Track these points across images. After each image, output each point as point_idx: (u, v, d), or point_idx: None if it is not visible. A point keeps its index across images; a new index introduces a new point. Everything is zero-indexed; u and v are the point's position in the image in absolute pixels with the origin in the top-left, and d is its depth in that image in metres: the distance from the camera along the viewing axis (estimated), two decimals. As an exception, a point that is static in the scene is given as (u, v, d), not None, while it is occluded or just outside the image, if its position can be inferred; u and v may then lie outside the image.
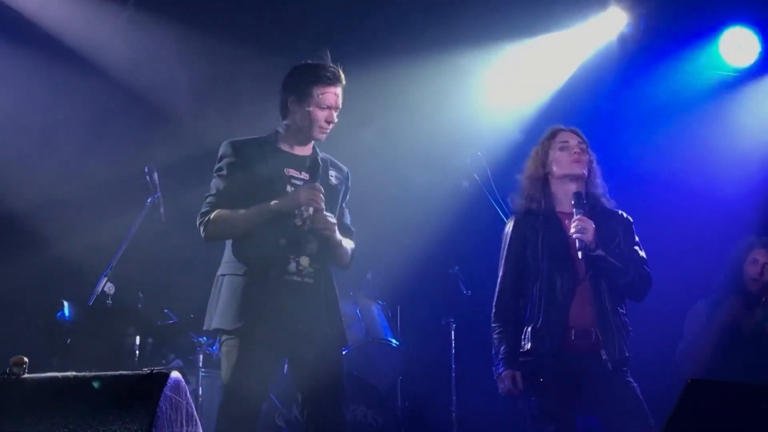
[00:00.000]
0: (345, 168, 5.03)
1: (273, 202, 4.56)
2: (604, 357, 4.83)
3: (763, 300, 6.56)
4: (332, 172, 4.89)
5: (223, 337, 4.58)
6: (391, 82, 7.99)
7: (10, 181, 7.29)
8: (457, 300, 7.27)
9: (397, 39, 8.01)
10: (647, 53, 8.16)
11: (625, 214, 5.14)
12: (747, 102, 8.31)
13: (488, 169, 6.98)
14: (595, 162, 5.12)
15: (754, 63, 8.21)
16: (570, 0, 7.93)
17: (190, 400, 2.97)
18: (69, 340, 6.11)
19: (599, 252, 4.90)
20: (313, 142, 4.85)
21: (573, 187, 5.00)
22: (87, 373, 2.92)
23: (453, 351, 7.07)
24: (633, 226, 5.12)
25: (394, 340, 6.93)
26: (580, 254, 4.85)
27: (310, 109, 4.70)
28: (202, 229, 4.63)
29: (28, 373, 2.88)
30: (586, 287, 4.90)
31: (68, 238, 7.24)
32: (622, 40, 8.10)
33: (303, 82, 4.74)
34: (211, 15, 7.68)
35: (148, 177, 6.36)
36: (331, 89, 4.75)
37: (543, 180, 5.11)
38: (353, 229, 5.04)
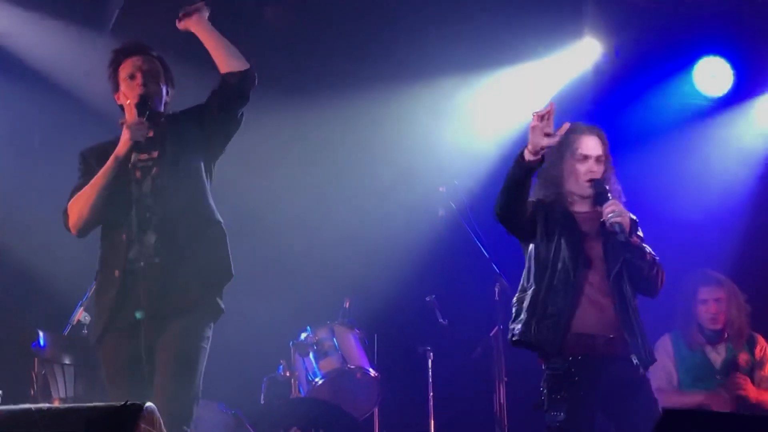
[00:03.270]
0: (190, 110, 4.70)
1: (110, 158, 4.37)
2: (635, 362, 4.78)
3: (726, 336, 6.56)
4: (182, 121, 4.61)
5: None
6: (368, 109, 8.02)
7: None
8: (434, 328, 7.26)
9: (373, 66, 8.04)
10: (622, 83, 8.22)
11: (631, 214, 5.02)
12: (720, 131, 8.39)
13: (464, 197, 7.01)
14: (611, 166, 5.06)
15: (728, 92, 8.28)
16: (545, 30, 7.97)
17: (165, 431, 2.96)
18: (44, 371, 6.07)
19: (635, 236, 4.86)
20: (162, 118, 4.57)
21: (585, 196, 4.97)
22: (61, 405, 2.90)
23: (430, 379, 7.06)
24: (638, 225, 5.06)
25: (371, 369, 6.91)
26: (621, 237, 4.73)
27: (122, 88, 4.55)
28: (66, 223, 4.52)
29: (3, 404, 2.86)
30: (609, 287, 4.82)
31: (44, 265, 7.20)
32: (597, 69, 8.16)
33: (110, 72, 4.64)
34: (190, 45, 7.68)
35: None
36: (131, 59, 4.58)
37: (557, 180, 5.01)
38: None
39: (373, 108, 8.03)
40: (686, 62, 8.21)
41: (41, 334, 6.22)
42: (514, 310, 4.95)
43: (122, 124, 4.45)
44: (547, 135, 4.56)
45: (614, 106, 8.14)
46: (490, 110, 8.31)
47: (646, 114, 8.22)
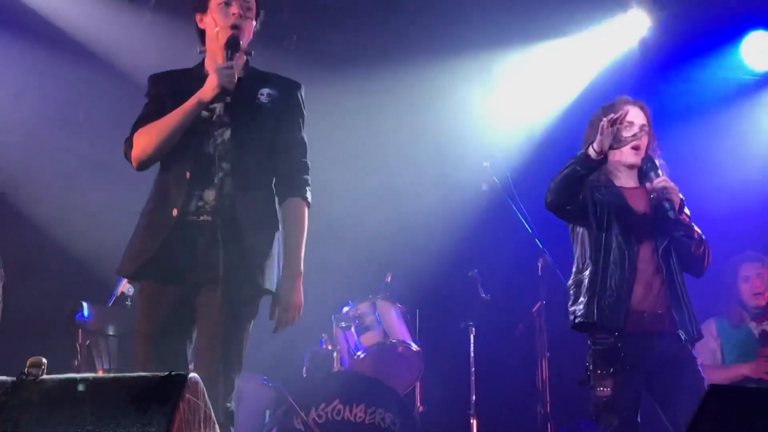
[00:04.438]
0: (293, 83, 4.34)
1: (192, 97, 4.05)
2: (683, 337, 4.75)
3: None
4: (264, 89, 4.21)
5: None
6: (410, 82, 7.99)
7: (29, 185, 7.32)
8: (476, 303, 7.25)
9: (410, 41, 8.02)
10: (668, 56, 8.13)
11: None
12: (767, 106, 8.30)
13: (508, 172, 6.98)
14: (655, 140, 5.04)
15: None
16: (591, 2, 7.90)
17: (208, 402, 2.97)
18: (88, 342, 6.12)
19: (683, 214, 4.84)
20: (245, 58, 4.26)
21: (630, 165, 4.94)
22: (105, 375, 2.92)
23: (472, 355, 7.05)
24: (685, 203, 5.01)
25: (413, 344, 6.92)
26: (672, 215, 4.72)
27: (213, 12, 4.16)
28: (128, 153, 4.16)
29: (47, 374, 2.88)
30: (658, 263, 4.81)
31: (88, 237, 7.26)
32: (644, 44, 8.08)
33: None
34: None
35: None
36: None
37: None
38: (307, 162, 4.30)
39: (416, 82, 8.00)
40: (733, 36, 8.11)
41: (85, 305, 6.29)
42: (572, 293, 4.92)
43: (201, 53, 4.25)
44: (616, 139, 4.56)
45: (660, 80, 8.06)
46: (534, 84, 8.25)
47: (692, 88, 8.14)
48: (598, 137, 4.57)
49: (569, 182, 4.71)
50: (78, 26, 7.44)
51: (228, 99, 4.06)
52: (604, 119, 4.57)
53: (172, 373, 2.80)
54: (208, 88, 4.01)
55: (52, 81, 7.44)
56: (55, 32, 7.36)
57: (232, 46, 4.10)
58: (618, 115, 4.58)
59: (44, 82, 7.43)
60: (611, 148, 4.63)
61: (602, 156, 4.63)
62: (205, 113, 4.11)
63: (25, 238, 7.33)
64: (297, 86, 4.33)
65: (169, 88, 4.21)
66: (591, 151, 4.61)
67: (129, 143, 4.15)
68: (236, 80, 4.03)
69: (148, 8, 7.52)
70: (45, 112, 7.47)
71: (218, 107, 4.12)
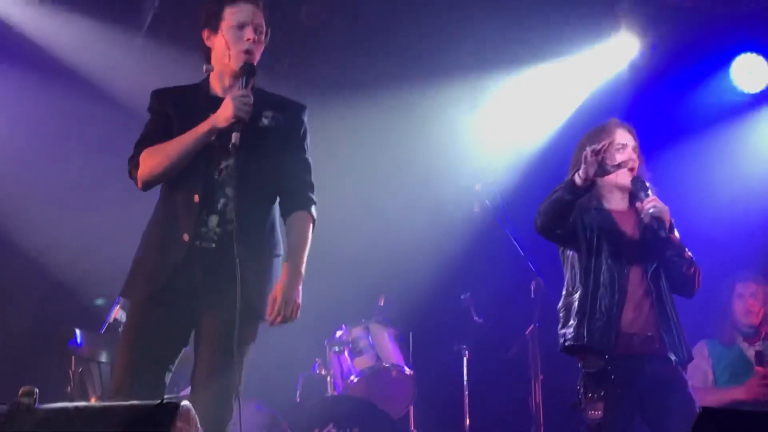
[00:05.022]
0: (297, 105, 4.33)
1: (204, 122, 4.02)
2: (673, 359, 4.77)
3: (764, 334, 6.54)
4: (268, 112, 4.16)
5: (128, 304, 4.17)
6: (401, 106, 8.01)
7: (20, 211, 7.31)
8: (469, 326, 7.25)
9: (398, 65, 8.03)
10: (658, 79, 8.16)
11: None
12: (758, 127, 8.31)
13: (499, 194, 6.99)
14: (643, 162, 5.05)
15: (765, 89, 8.21)
16: (580, 26, 7.93)
17: (200, 429, 2.97)
18: (81, 369, 6.11)
19: (675, 235, 4.85)
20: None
21: (623, 187, 4.96)
22: (98, 403, 2.92)
23: (465, 378, 7.05)
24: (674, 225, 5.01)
25: (406, 367, 6.91)
26: (662, 234, 4.73)
27: (225, 33, 4.10)
28: (133, 172, 4.11)
29: (41, 402, 2.88)
30: (647, 285, 4.83)
31: (81, 264, 7.25)
32: (633, 67, 8.11)
33: (212, 7, 4.17)
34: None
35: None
36: (243, 5, 4.12)
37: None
38: (312, 181, 4.32)
39: (406, 105, 8.02)
40: (723, 59, 8.14)
41: (78, 332, 6.27)
42: (561, 315, 4.94)
43: (208, 70, 4.19)
44: (600, 168, 4.59)
45: (650, 102, 8.08)
46: (524, 106, 8.28)
47: (683, 111, 8.16)
48: (583, 166, 4.60)
49: (557, 207, 4.74)
50: (69, 51, 7.45)
51: (240, 128, 4.01)
52: (588, 149, 4.60)
53: (164, 400, 2.80)
54: (224, 117, 3.99)
55: (44, 106, 7.44)
56: (46, 57, 7.37)
57: (248, 73, 4.09)
58: (601, 145, 4.60)
59: (36, 108, 7.43)
60: (597, 175, 4.66)
61: (588, 183, 4.66)
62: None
63: (16, 264, 7.32)
64: (302, 108, 4.33)
65: (175, 104, 4.18)
66: (577, 179, 4.64)
67: (134, 162, 4.12)
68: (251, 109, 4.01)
69: (140, 32, 7.54)
70: (37, 138, 7.47)
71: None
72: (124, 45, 7.52)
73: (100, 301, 7.12)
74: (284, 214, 4.25)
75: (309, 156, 4.34)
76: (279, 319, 4.03)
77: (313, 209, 4.27)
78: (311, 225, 4.26)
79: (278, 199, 4.26)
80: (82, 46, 7.44)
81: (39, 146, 7.45)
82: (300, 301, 4.07)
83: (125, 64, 7.50)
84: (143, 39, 7.55)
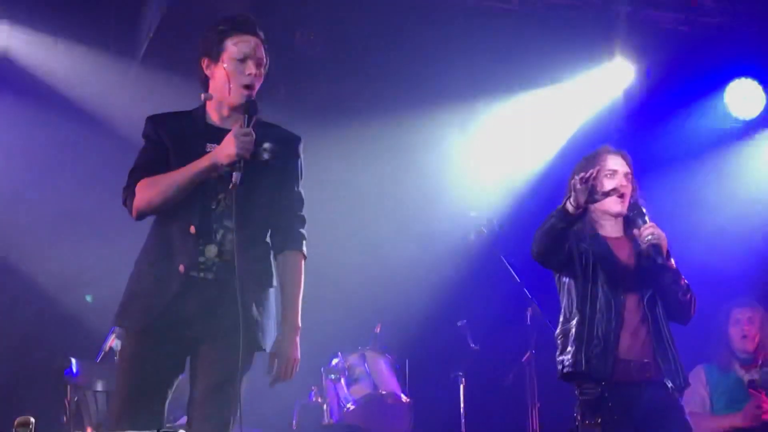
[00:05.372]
0: (293, 137, 4.31)
1: (206, 157, 3.99)
2: (670, 386, 4.76)
3: (761, 361, 6.54)
4: (266, 144, 4.13)
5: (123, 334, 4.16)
6: (396, 133, 8.02)
7: (16, 240, 7.31)
8: (466, 353, 7.23)
9: (392, 93, 8.04)
10: (652, 105, 8.19)
11: None
12: (752, 153, 8.34)
13: (495, 221, 7.00)
14: (637, 189, 5.06)
15: (760, 115, 8.23)
16: (575, 51, 7.96)
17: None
18: (77, 398, 6.09)
19: (671, 261, 4.85)
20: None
21: (615, 214, 4.96)
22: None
23: (462, 405, 7.03)
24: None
25: (403, 395, 6.89)
26: (659, 260, 4.74)
27: (225, 65, 4.07)
28: (127, 202, 4.08)
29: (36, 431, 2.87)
30: (643, 312, 4.82)
31: (75, 292, 7.24)
32: (628, 93, 8.13)
33: (213, 36, 4.13)
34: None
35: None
36: (246, 37, 4.11)
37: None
38: (303, 215, 4.31)
39: (401, 131, 8.03)
40: (717, 84, 8.17)
41: (74, 361, 6.26)
42: (559, 342, 4.93)
43: (205, 99, 4.17)
44: (590, 195, 4.61)
45: (645, 129, 8.10)
46: (519, 133, 8.30)
47: (677, 137, 8.18)
48: (573, 194, 4.60)
49: (551, 235, 4.74)
50: (64, 79, 7.48)
51: (241, 166, 3.98)
52: (576, 177, 4.60)
53: (160, 430, 2.79)
54: (226, 155, 3.95)
55: (39, 134, 7.45)
56: (41, 85, 7.39)
57: (250, 110, 4.07)
58: (589, 173, 4.60)
59: (31, 136, 7.44)
60: (587, 202, 4.66)
61: (580, 210, 4.66)
62: None
63: (11, 292, 7.31)
64: (297, 139, 4.31)
65: (171, 131, 4.14)
66: (569, 206, 4.65)
67: (130, 191, 4.09)
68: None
69: (136, 60, 7.56)
70: (32, 166, 7.48)
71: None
72: (119, 73, 7.54)
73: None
74: (275, 250, 4.24)
75: (302, 189, 4.33)
76: (278, 382, 4.08)
77: (304, 246, 4.27)
78: (303, 264, 4.26)
79: (270, 232, 4.26)
80: (77, 74, 7.46)
81: (34, 174, 7.46)
82: (299, 356, 4.09)
83: (121, 92, 7.52)
84: (138, 67, 7.56)
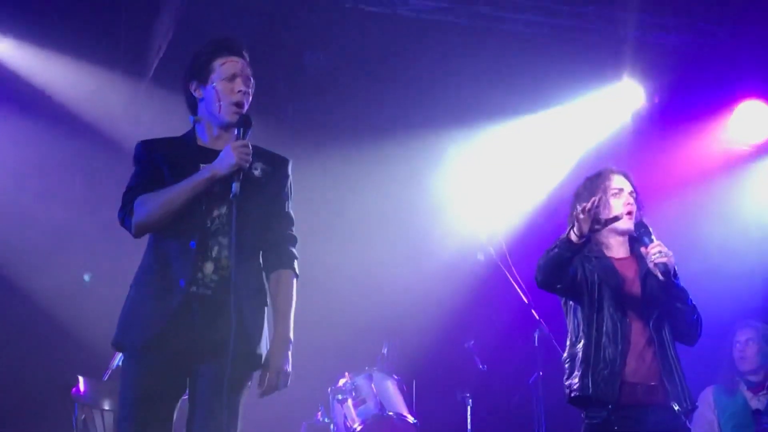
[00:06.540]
0: (282, 159, 4.36)
1: (206, 169, 4.04)
2: (676, 409, 4.72)
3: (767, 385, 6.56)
4: (257, 164, 4.19)
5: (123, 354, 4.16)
6: (404, 154, 8.05)
7: (25, 258, 7.32)
8: (473, 374, 7.23)
9: (399, 115, 8.07)
10: (660, 127, 8.20)
11: None
12: (760, 175, 8.34)
13: (503, 242, 6.99)
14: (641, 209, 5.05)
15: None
16: (584, 73, 7.98)
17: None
18: (84, 417, 6.09)
19: (678, 280, 4.82)
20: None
21: (622, 232, 4.94)
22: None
23: (469, 426, 7.01)
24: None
25: (409, 416, 6.88)
26: (666, 279, 4.68)
27: (214, 85, 4.16)
28: (126, 220, 4.11)
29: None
30: (650, 334, 4.78)
31: (83, 311, 7.25)
32: (636, 116, 8.15)
33: (201, 60, 4.22)
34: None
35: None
36: (233, 57, 4.20)
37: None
38: (294, 234, 4.34)
39: (408, 153, 8.06)
40: (725, 106, 8.18)
41: (81, 379, 6.26)
42: (566, 366, 4.91)
43: (194, 122, 4.23)
44: (594, 223, 4.59)
45: (652, 150, 8.10)
46: (528, 155, 8.31)
47: (684, 159, 8.18)
48: (576, 224, 4.59)
49: (556, 263, 4.72)
50: (73, 97, 7.49)
51: (240, 177, 4.04)
52: (578, 209, 4.58)
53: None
54: (225, 165, 4.02)
55: (49, 153, 7.47)
56: (50, 104, 7.42)
57: (245, 125, 4.14)
58: (591, 202, 4.58)
59: (40, 155, 7.46)
60: (591, 231, 4.63)
61: (584, 239, 4.64)
62: None
63: (19, 311, 7.31)
64: (286, 161, 4.37)
65: (164, 155, 4.18)
66: (572, 236, 4.63)
67: (128, 209, 4.12)
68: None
69: (145, 79, 7.59)
70: (41, 185, 7.49)
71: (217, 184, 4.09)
72: (129, 91, 7.56)
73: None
74: (267, 269, 4.27)
75: (291, 210, 4.36)
76: (269, 393, 4.09)
77: (296, 265, 4.29)
78: (295, 282, 4.28)
79: (261, 252, 4.29)
80: (86, 93, 7.48)
81: (43, 193, 7.47)
82: (290, 368, 4.12)
83: (130, 111, 7.54)
84: (148, 85, 7.59)
